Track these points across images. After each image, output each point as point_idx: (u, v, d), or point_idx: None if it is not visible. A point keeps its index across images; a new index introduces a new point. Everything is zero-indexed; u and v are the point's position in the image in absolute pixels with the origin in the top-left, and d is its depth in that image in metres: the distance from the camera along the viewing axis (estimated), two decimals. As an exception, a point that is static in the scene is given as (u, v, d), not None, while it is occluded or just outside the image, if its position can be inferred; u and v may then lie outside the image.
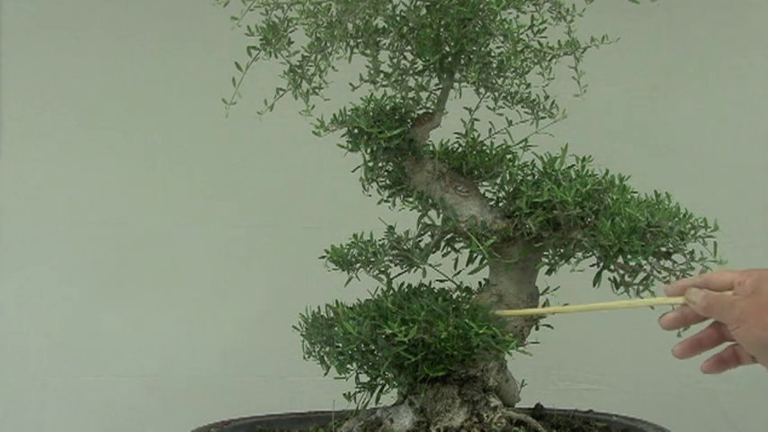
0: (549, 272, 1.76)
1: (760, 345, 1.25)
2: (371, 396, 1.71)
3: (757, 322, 1.23)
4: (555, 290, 1.77)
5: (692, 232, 1.61)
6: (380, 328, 1.59)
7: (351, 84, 1.68)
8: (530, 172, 1.75)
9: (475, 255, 1.72)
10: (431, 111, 1.73)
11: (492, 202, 1.76)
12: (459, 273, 1.77)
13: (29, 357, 2.80)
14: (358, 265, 1.72)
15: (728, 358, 1.37)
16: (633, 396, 2.74)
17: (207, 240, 2.82)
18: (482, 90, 1.71)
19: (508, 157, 1.76)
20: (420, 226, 1.75)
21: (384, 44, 1.68)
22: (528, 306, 1.75)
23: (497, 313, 1.64)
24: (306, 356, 1.72)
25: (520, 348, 1.72)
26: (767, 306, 1.22)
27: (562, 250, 1.71)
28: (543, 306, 1.77)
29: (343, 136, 1.71)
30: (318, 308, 1.74)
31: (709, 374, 1.43)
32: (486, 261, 1.71)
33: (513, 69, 1.67)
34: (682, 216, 1.62)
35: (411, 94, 1.69)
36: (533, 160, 1.76)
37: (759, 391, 2.76)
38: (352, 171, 1.75)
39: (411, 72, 1.69)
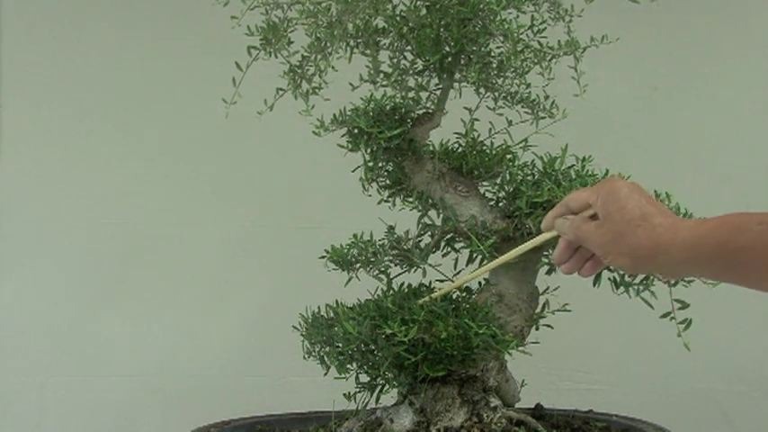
0: (549, 272, 1.76)
1: (629, 269, 1.28)
2: (371, 396, 1.71)
3: (618, 251, 1.25)
4: (555, 290, 1.77)
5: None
6: (380, 328, 1.59)
7: (351, 84, 1.68)
8: (530, 172, 1.75)
9: (475, 255, 1.72)
10: (431, 111, 1.73)
11: (492, 202, 1.76)
12: (459, 273, 1.77)
13: (29, 357, 2.80)
14: (358, 265, 1.72)
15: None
16: (633, 396, 2.74)
17: (207, 240, 2.82)
18: (482, 90, 1.71)
19: (508, 157, 1.76)
20: (420, 226, 1.75)
21: (384, 44, 1.68)
22: (528, 307, 1.75)
23: (429, 297, 1.65)
24: (306, 356, 1.72)
25: (520, 348, 1.72)
26: (619, 232, 1.24)
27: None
28: (543, 306, 1.77)
29: (343, 136, 1.71)
30: (318, 308, 1.74)
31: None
32: (486, 261, 1.71)
33: (513, 69, 1.67)
34: (682, 216, 1.61)
35: (411, 94, 1.69)
36: (533, 160, 1.76)
37: (759, 391, 2.76)
38: (352, 171, 1.75)
39: (411, 72, 1.69)
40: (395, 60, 1.68)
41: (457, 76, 1.70)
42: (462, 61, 1.68)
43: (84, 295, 2.81)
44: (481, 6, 1.60)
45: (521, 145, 1.77)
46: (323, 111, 1.65)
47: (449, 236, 1.75)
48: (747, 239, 1.14)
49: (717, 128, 2.82)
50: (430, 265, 1.72)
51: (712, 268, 1.18)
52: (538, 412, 1.88)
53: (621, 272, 1.65)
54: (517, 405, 1.81)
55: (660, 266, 1.24)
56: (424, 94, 1.71)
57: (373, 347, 1.63)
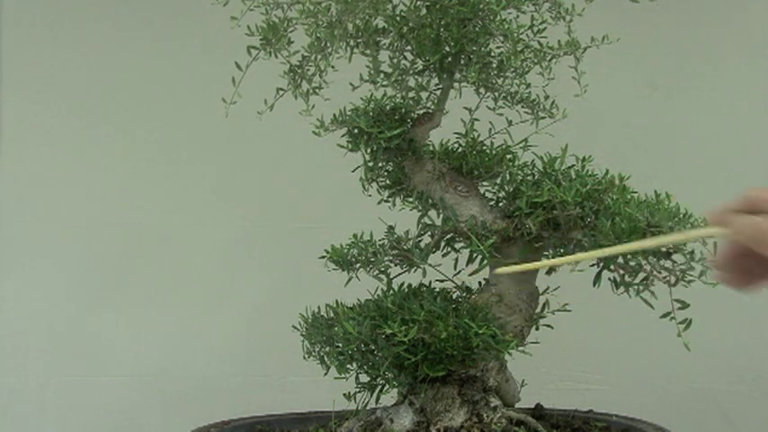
0: (549, 272, 1.75)
1: None
2: (371, 396, 1.71)
3: None
4: (555, 290, 1.77)
5: (693, 232, 1.60)
6: (380, 328, 1.59)
7: (351, 84, 1.68)
8: (530, 172, 1.75)
9: (475, 255, 1.72)
10: (431, 111, 1.73)
11: (492, 202, 1.76)
12: (459, 273, 1.77)
13: (29, 357, 2.80)
14: (358, 265, 1.72)
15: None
16: (633, 396, 2.74)
17: (207, 240, 2.82)
18: (482, 90, 1.71)
19: (508, 157, 1.76)
20: (420, 226, 1.75)
21: (384, 44, 1.68)
22: (528, 307, 1.75)
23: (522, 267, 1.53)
24: (306, 356, 1.72)
25: (520, 348, 1.72)
26: None
27: (562, 250, 1.71)
28: (543, 306, 1.77)
29: (343, 136, 1.71)
30: (318, 308, 1.74)
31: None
32: (486, 261, 1.71)
33: (513, 69, 1.67)
34: (682, 216, 1.61)
35: (411, 94, 1.69)
36: (533, 160, 1.76)
37: (759, 391, 2.76)
38: (352, 171, 1.75)
39: (411, 72, 1.69)
40: (395, 60, 1.68)
41: (457, 76, 1.70)
42: (462, 61, 1.68)
43: (84, 295, 2.81)
44: (481, 6, 1.60)
45: (521, 145, 1.77)
46: (323, 111, 1.65)
47: (449, 236, 1.75)
48: None
49: (717, 128, 2.82)
50: (430, 265, 1.72)
51: None
52: (538, 412, 1.88)
53: (621, 272, 1.65)
54: (517, 405, 1.81)
55: None
56: (424, 94, 1.71)
57: (373, 347, 1.63)
